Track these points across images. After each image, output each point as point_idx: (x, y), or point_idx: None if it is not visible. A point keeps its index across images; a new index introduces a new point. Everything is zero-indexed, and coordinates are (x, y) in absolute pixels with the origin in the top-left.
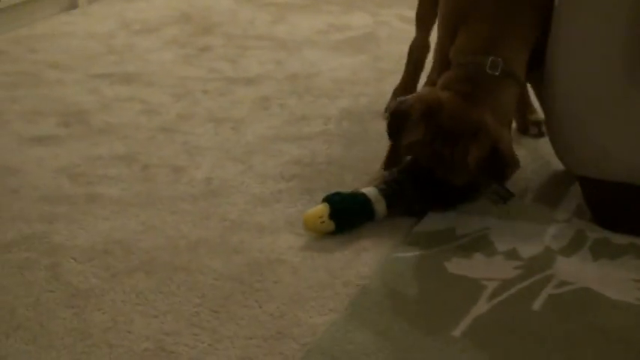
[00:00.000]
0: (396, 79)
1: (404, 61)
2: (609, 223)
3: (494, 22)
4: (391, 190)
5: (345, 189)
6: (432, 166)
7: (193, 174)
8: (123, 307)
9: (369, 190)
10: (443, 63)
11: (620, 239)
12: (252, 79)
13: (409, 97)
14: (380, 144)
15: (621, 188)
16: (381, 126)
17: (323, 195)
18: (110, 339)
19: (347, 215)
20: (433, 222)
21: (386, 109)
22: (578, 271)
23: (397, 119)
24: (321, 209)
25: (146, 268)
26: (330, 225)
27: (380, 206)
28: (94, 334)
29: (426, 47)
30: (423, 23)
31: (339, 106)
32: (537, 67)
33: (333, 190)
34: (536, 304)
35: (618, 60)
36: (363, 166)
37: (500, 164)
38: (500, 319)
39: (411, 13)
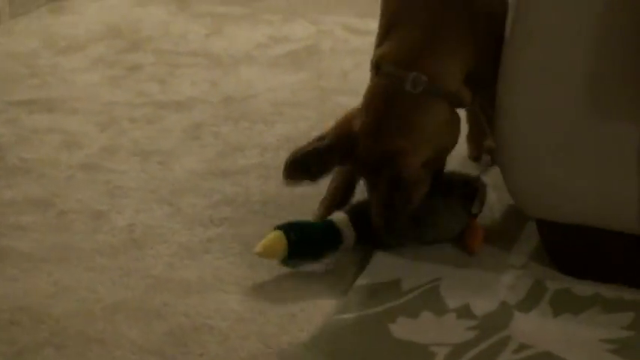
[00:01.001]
0: (339, 99)
1: (348, 77)
2: (571, 269)
3: (424, 34)
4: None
5: None
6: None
7: (114, 220)
8: None
9: (336, 215)
10: None
11: (583, 289)
12: (183, 103)
13: (325, 132)
14: None
15: (583, 231)
16: None
17: (256, 242)
18: None
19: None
20: (377, 272)
21: None
22: (537, 330)
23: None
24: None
25: (56, 341)
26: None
27: (347, 230)
28: None
29: None
30: None
31: (277, 133)
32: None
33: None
34: None
35: (580, 92)
36: (302, 205)
37: (399, 194)
38: None
39: (356, 22)
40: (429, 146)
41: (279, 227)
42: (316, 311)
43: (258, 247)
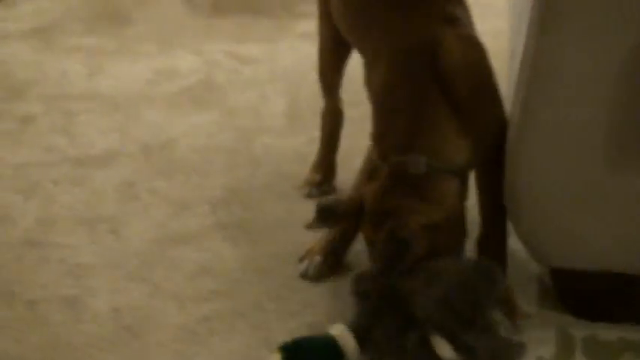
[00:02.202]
0: (264, 140)
1: (261, 114)
2: (585, 313)
3: (412, 112)
4: (362, 324)
5: (279, 301)
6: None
7: (94, 306)
8: None
9: (336, 327)
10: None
11: (606, 334)
12: (101, 157)
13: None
14: (286, 233)
15: (601, 276)
16: (278, 208)
17: (258, 317)
18: None
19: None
20: None
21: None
22: None
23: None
24: None
25: None
26: None
27: (349, 346)
28: None
29: (337, 113)
30: (328, 84)
31: (217, 185)
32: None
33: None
34: None
35: (598, 145)
36: (286, 270)
37: (396, 247)
38: None
39: (239, 48)
40: (434, 211)
41: (283, 348)
42: None
43: None
